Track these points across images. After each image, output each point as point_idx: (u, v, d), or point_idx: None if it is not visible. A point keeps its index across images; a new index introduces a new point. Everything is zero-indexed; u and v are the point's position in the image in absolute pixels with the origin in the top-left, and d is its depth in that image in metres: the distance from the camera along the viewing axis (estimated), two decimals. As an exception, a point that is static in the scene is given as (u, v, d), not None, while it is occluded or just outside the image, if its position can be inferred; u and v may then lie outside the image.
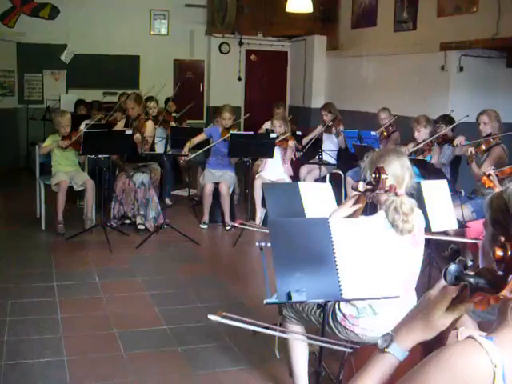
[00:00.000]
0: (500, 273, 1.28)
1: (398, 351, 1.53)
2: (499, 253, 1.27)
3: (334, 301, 3.07)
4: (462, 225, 5.18)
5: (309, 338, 3.17)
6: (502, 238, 1.29)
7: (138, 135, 7.43)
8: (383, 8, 10.33)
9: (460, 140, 6.63)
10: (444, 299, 1.48)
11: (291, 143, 7.80)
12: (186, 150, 7.65)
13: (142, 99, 7.85)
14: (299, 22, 11.44)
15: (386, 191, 2.99)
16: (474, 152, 6.07)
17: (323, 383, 3.29)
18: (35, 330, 4.49)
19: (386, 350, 1.54)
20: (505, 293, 1.27)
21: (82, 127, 7.85)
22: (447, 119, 7.25)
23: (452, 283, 1.41)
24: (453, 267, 1.40)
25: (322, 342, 3.06)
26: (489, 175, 5.10)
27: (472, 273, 1.36)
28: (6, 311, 4.80)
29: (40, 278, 5.64)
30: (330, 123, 8.69)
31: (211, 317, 2.82)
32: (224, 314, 2.84)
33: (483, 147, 6.18)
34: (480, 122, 6.34)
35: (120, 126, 7.71)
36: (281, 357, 3.66)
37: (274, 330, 3.23)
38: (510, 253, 1.26)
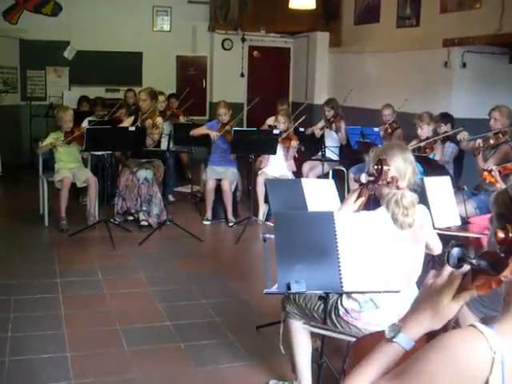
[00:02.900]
0: (502, 254, 1.29)
1: (404, 341, 1.55)
2: (501, 234, 1.29)
3: (333, 293, 3.07)
4: (465, 221, 5.17)
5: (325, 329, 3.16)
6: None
7: (149, 121, 7.46)
8: (386, 4, 10.32)
9: (463, 135, 6.60)
10: (450, 287, 1.49)
11: (294, 143, 7.79)
12: (213, 134, 7.73)
13: (155, 94, 7.87)
14: (302, 19, 11.42)
15: (388, 183, 3.00)
16: (481, 144, 6.04)
17: (325, 377, 3.30)
18: (38, 326, 4.50)
19: (393, 340, 1.56)
20: (506, 273, 1.29)
21: (85, 124, 7.87)
22: (446, 117, 7.24)
23: (455, 266, 1.44)
24: (455, 250, 1.42)
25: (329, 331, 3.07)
26: (490, 170, 5.10)
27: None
28: (9, 307, 4.81)
29: (43, 275, 5.64)
30: (332, 119, 8.69)
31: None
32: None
33: (491, 142, 6.16)
34: (491, 117, 6.32)
35: (128, 123, 7.70)
36: (285, 353, 3.66)
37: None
38: (511, 235, 1.27)
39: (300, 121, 8.15)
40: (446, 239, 5.75)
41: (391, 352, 1.57)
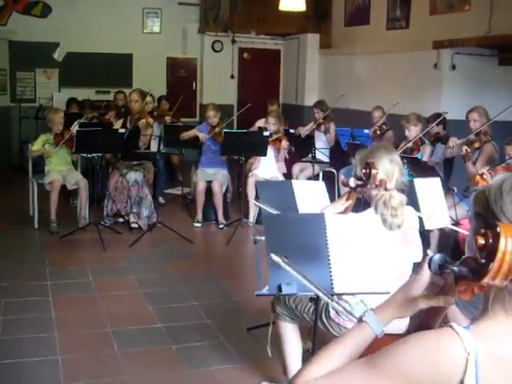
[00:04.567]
0: (482, 261, 1.31)
1: (374, 322, 1.56)
2: (481, 241, 1.31)
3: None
4: (456, 222, 5.20)
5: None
6: (483, 230, 1.32)
7: (143, 120, 7.46)
8: (376, 6, 10.35)
9: (454, 141, 6.60)
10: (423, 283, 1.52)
11: (284, 144, 7.80)
12: (201, 135, 7.80)
13: (145, 95, 7.87)
14: (292, 20, 11.44)
15: (376, 186, 3.01)
16: (469, 151, 6.07)
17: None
18: (29, 328, 4.48)
19: (362, 319, 1.58)
20: (487, 280, 1.30)
21: (75, 126, 7.84)
22: (439, 118, 7.26)
23: (436, 272, 1.46)
24: (437, 256, 1.45)
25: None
26: (482, 174, 5.12)
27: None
28: (-1, 310, 4.80)
29: (33, 277, 5.63)
30: (321, 121, 8.71)
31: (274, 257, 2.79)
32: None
33: (476, 145, 6.21)
34: (470, 119, 6.37)
35: (118, 125, 7.70)
36: (273, 355, 3.67)
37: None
38: (491, 241, 1.29)
39: (287, 127, 8.18)
40: (442, 243, 5.79)
41: (361, 333, 1.58)
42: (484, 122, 6.30)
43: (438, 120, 7.13)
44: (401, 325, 1.69)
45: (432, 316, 1.63)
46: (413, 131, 6.92)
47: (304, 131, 8.84)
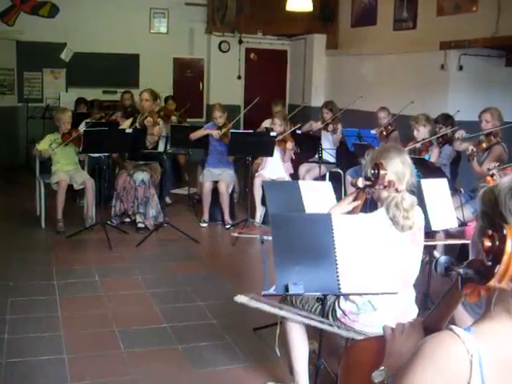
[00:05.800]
0: (489, 263, 1.31)
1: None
2: (488, 243, 1.30)
3: (331, 294, 3.06)
4: (463, 223, 5.18)
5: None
6: (490, 231, 1.32)
7: (149, 118, 7.41)
8: (383, 7, 10.34)
9: (461, 133, 6.62)
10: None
11: (289, 145, 7.78)
12: (215, 132, 7.73)
13: (156, 95, 7.86)
14: (299, 21, 11.44)
15: (384, 187, 2.99)
16: (474, 150, 6.07)
17: (322, 379, 3.30)
18: (35, 328, 4.49)
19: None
20: (493, 283, 1.30)
21: (82, 126, 7.86)
22: (447, 119, 7.24)
23: (442, 274, 1.45)
24: (443, 258, 1.46)
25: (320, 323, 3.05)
26: (492, 175, 5.11)
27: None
28: (6, 309, 4.80)
29: (40, 276, 5.64)
30: (330, 121, 8.69)
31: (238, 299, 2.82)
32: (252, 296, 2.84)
33: (484, 145, 6.19)
34: (482, 119, 6.35)
35: (126, 125, 7.70)
36: (281, 355, 3.67)
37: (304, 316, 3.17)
38: (498, 243, 1.28)
39: (296, 127, 8.16)
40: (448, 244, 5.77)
41: None
42: (496, 124, 6.28)
43: (453, 128, 7.09)
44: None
45: (438, 319, 1.63)
46: (421, 132, 6.90)
47: (316, 126, 8.84)
